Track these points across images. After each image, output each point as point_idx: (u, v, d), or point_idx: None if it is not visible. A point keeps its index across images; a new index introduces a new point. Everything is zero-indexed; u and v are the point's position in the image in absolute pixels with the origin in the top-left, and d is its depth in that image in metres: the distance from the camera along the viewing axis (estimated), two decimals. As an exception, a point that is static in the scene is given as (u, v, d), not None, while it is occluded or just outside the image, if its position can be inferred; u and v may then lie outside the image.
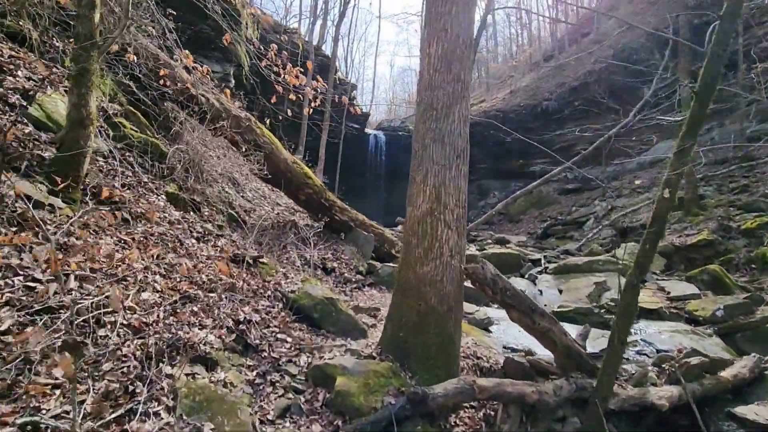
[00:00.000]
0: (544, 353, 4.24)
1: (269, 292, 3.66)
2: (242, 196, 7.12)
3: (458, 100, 3.58)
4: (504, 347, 4.95)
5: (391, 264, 6.97)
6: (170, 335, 2.57)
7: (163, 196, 3.67)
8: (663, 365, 4.51)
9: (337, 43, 21.12)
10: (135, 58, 4.77)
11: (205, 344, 2.67)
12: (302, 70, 5.71)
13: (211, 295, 3.12)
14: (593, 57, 23.05)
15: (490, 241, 12.76)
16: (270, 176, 6.26)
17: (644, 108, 17.10)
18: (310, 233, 6.67)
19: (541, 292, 8.60)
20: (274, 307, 3.51)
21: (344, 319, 3.92)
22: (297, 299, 3.82)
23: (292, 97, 5.22)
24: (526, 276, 9.73)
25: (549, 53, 27.91)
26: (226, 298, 3.17)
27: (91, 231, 2.93)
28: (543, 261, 10.33)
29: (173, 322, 2.69)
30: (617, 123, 21.56)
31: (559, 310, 6.34)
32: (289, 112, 6.58)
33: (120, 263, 2.77)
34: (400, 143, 25.60)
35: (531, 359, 4.15)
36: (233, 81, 13.00)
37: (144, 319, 2.57)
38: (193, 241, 3.41)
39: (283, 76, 5.37)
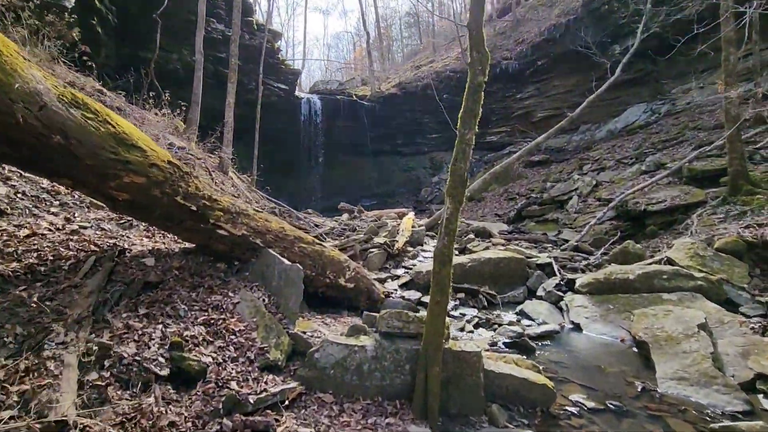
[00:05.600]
0: None
1: None
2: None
3: None
4: None
5: (337, 341, 3.12)
6: None
7: None
8: None
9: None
10: None
11: None
12: None
13: None
14: (557, 8, 20.22)
15: (471, 234, 9.48)
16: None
17: (628, 64, 14.52)
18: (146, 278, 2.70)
19: (577, 326, 5.36)
20: None
21: None
22: None
23: None
24: (540, 293, 6.49)
25: (505, 6, 24.75)
26: None
27: None
28: (555, 266, 7.13)
29: None
30: (583, 84, 19.15)
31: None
32: None
33: None
34: (339, 110, 21.38)
35: None
36: (72, -1, 8.14)
37: None
38: None
39: None
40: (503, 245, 8.84)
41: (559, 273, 6.93)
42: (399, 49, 43.56)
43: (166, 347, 2.66)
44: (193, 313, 3.05)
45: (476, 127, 3.02)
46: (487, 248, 8.35)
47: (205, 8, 9.63)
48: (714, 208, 7.91)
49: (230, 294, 3.41)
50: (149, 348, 2.59)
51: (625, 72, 14.87)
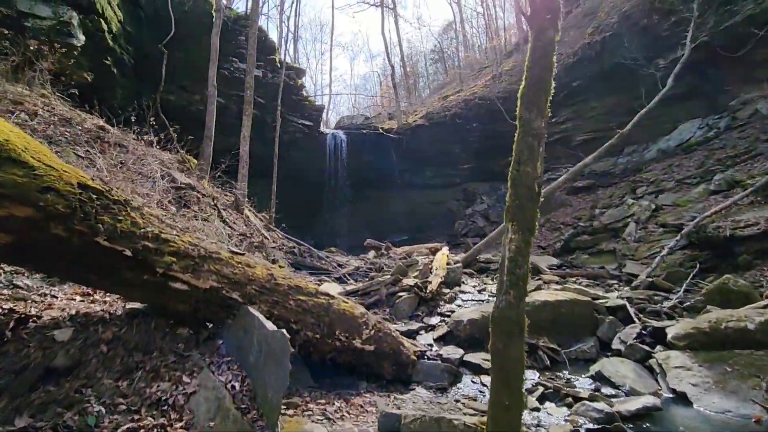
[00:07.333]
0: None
1: None
2: None
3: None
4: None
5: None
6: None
7: None
8: None
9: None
10: None
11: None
12: None
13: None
14: (591, 27, 19.20)
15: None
16: None
17: (676, 77, 13.10)
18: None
19: (682, 397, 3.87)
20: None
21: None
22: None
23: None
24: (617, 345, 5.03)
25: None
26: None
27: None
28: (631, 310, 5.66)
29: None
30: (624, 104, 17.71)
31: None
32: None
33: None
34: (365, 144, 20.75)
35: None
36: (81, 37, 7.81)
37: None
38: None
39: None
40: (558, 283, 7.42)
41: (638, 319, 5.45)
42: (426, 85, 43.59)
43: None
44: (113, 417, 1.96)
45: (549, 108, 1.90)
46: (539, 288, 6.95)
47: (218, 42, 9.23)
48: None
49: (185, 379, 2.31)
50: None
51: (674, 87, 13.46)
